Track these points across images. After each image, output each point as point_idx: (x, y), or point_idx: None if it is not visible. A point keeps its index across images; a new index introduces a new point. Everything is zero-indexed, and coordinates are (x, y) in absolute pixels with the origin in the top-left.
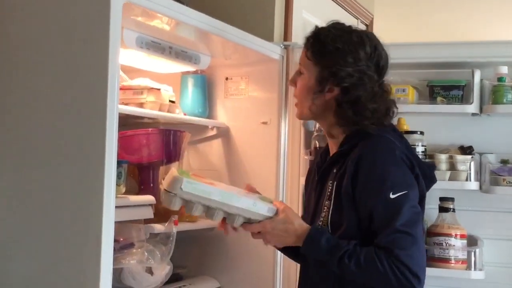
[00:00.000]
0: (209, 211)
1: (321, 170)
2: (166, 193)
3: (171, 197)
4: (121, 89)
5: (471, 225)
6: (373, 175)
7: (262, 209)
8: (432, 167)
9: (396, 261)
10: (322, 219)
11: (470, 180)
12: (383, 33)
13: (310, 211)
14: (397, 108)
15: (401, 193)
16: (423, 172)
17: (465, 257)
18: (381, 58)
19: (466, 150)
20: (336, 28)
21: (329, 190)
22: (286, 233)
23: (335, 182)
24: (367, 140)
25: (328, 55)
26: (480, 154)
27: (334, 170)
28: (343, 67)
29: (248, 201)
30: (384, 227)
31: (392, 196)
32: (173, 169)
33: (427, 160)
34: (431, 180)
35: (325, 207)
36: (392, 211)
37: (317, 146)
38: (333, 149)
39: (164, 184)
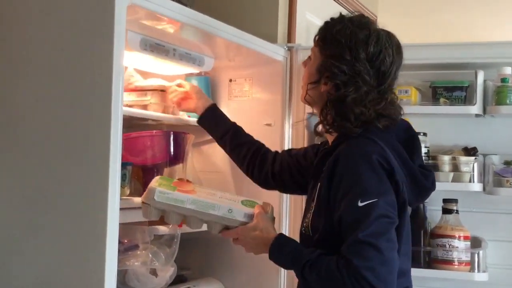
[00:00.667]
0: (186, 219)
1: (313, 168)
2: (142, 204)
3: (146, 207)
4: (125, 90)
5: (475, 227)
6: (344, 180)
7: (238, 215)
8: (429, 176)
9: (356, 274)
10: (307, 220)
11: (473, 182)
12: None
13: (303, 211)
14: (400, 114)
15: (370, 201)
16: (414, 180)
17: (469, 259)
18: (384, 64)
19: (470, 151)
20: (352, 20)
21: (316, 191)
22: (255, 240)
23: (319, 183)
24: (346, 142)
25: (329, 47)
26: (484, 155)
27: (323, 170)
28: (339, 63)
29: (223, 208)
30: (349, 235)
31: (360, 203)
32: (155, 178)
33: (429, 162)
34: (426, 189)
35: (311, 208)
36: (358, 220)
37: None
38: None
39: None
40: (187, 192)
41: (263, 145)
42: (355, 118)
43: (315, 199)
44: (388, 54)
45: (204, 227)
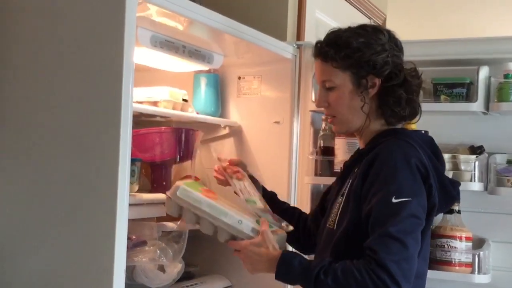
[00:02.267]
0: (199, 220)
1: (344, 168)
2: (166, 198)
3: (168, 201)
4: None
5: (478, 228)
6: (381, 177)
7: (246, 229)
8: (456, 185)
9: (377, 266)
10: (333, 215)
11: (474, 181)
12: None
13: (328, 210)
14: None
15: (405, 199)
16: (443, 187)
17: (470, 260)
18: (397, 39)
19: (476, 150)
20: (346, 30)
21: (345, 187)
22: (258, 256)
23: (350, 180)
24: (386, 142)
25: (357, 53)
26: (490, 153)
27: (355, 170)
28: (377, 56)
29: (234, 218)
30: (378, 228)
31: (394, 200)
32: (187, 181)
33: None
34: (452, 197)
35: (337, 204)
36: (390, 215)
37: (322, 145)
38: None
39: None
40: (207, 196)
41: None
42: (418, 88)
43: (345, 194)
44: (392, 31)
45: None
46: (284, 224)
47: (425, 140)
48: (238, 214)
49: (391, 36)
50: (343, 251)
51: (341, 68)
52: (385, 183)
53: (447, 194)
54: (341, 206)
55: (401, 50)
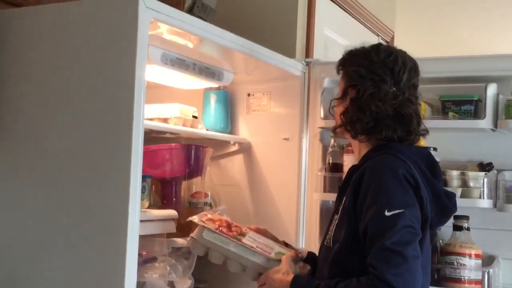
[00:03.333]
0: (226, 261)
1: (341, 184)
2: (191, 239)
3: (194, 242)
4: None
5: (488, 245)
6: (371, 192)
7: (272, 266)
8: (452, 197)
9: (379, 282)
10: (329, 232)
11: (483, 198)
12: (404, 50)
13: (326, 227)
14: (420, 119)
15: (397, 211)
16: (438, 200)
17: (479, 277)
18: (396, 64)
19: (485, 167)
20: (359, 46)
21: (340, 204)
22: (275, 281)
23: (344, 197)
24: (376, 157)
25: (347, 64)
26: (498, 170)
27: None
28: (356, 67)
29: (262, 257)
30: (375, 243)
31: (387, 213)
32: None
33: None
34: (448, 209)
35: (334, 221)
36: (385, 228)
37: (331, 161)
38: None
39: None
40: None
41: None
42: (370, 113)
43: (339, 211)
44: (400, 55)
45: None
46: (300, 252)
47: (420, 155)
48: (265, 252)
49: (390, 60)
50: (340, 268)
51: (340, 79)
52: (376, 197)
53: (442, 206)
54: (336, 223)
55: (396, 76)
